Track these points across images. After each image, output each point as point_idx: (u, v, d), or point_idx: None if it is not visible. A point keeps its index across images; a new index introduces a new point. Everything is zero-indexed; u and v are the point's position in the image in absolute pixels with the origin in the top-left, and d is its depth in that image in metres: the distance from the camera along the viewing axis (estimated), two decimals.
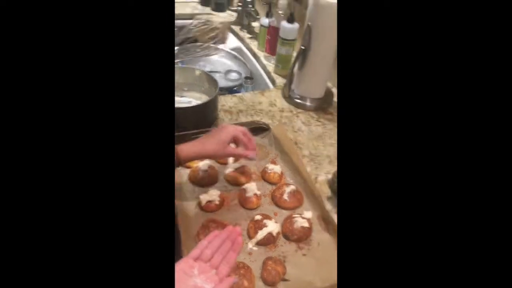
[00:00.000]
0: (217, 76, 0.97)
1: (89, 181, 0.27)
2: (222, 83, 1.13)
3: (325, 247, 0.59)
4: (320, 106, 0.97)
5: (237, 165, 0.72)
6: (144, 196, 0.29)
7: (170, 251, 0.30)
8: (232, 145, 0.65)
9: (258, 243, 0.58)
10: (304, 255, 0.58)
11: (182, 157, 0.56)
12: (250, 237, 0.59)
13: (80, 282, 0.26)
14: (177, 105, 0.79)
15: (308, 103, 0.96)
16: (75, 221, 0.27)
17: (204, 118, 0.80)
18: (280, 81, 1.08)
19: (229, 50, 1.28)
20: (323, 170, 0.77)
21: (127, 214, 0.28)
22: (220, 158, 0.72)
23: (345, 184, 0.31)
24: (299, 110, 0.96)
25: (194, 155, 0.57)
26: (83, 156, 0.27)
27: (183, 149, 0.56)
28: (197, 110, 0.77)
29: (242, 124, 0.83)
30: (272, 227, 0.58)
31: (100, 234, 0.27)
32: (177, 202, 0.61)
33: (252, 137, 0.66)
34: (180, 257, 0.45)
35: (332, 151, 0.82)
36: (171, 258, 0.31)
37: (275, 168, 0.71)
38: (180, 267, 0.43)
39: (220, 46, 1.31)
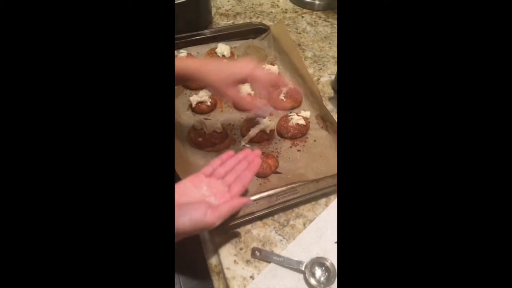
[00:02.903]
0: None
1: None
2: None
3: (321, 143, 0.56)
4: (331, 5, 0.85)
5: None
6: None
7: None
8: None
9: (251, 141, 0.56)
10: (298, 151, 0.55)
11: (178, 72, 0.43)
12: (243, 135, 0.57)
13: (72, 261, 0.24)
14: None
15: (317, 1, 0.84)
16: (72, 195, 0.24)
17: (195, 19, 0.73)
18: None
19: None
20: (327, 71, 0.70)
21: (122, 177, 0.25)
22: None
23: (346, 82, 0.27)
24: (305, 10, 0.85)
25: (191, 73, 0.44)
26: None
27: (179, 64, 0.43)
28: (186, 8, 0.69)
29: (237, 26, 0.75)
30: (265, 124, 0.56)
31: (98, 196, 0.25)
32: None
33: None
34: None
35: None
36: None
37: (272, 69, 0.66)
38: (189, 179, 0.39)
39: None
